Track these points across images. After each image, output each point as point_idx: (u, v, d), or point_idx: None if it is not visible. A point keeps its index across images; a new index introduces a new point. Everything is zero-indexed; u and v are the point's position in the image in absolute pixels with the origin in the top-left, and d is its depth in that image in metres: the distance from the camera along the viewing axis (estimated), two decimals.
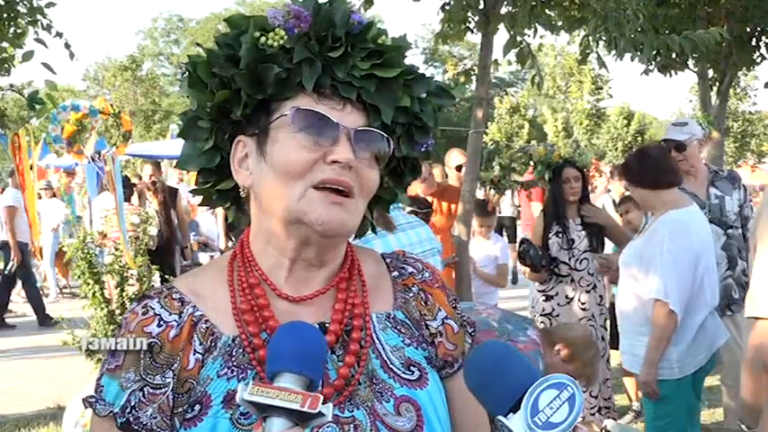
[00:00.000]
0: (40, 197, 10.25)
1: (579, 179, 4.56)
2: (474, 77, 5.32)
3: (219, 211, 8.53)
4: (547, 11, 4.96)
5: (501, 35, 6.05)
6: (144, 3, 75.99)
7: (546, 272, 4.51)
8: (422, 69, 1.07)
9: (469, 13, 5.06)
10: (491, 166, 5.31)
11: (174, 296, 1.03)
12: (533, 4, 4.72)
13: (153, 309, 1.02)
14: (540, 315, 4.58)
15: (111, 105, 6.39)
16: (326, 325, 1.04)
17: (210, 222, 10.77)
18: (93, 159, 6.19)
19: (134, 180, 8.85)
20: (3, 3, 5.03)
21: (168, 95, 40.70)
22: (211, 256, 9.38)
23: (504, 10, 4.80)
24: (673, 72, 9.26)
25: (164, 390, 0.97)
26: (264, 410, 0.82)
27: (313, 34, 1.00)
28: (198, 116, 1.04)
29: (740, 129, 31.12)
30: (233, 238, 9.41)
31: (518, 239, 7.03)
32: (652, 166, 3.28)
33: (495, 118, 34.06)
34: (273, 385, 0.83)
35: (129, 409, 0.96)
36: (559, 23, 5.21)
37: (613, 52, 4.93)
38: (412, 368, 1.06)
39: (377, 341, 1.06)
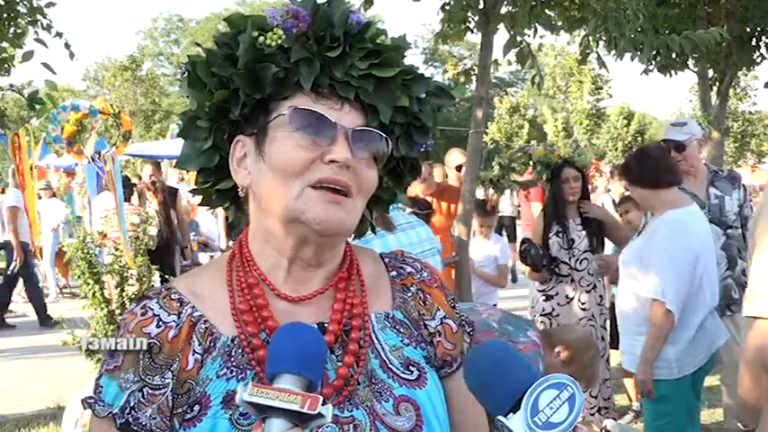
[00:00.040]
0: (39, 197, 10.26)
1: (579, 179, 4.57)
2: (474, 77, 5.32)
3: (220, 211, 8.47)
4: (547, 11, 4.96)
5: (501, 35, 6.05)
6: (144, 3, 76.15)
7: (546, 271, 4.52)
8: (422, 69, 1.07)
9: (469, 13, 5.06)
10: (491, 165, 5.31)
11: (172, 296, 1.03)
12: (533, 4, 4.72)
13: (152, 309, 1.01)
14: (540, 315, 4.58)
15: (111, 105, 6.37)
16: (325, 325, 1.04)
17: (210, 222, 10.77)
18: (93, 159, 6.17)
19: (134, 180, 8.84)
20: (3, 3, 5.03)
21: (168, 95, 40.70)
22: (211, 256, 9.37)
23: (504, 10, 4.80)
24: (673, 72, 9.27)
25: (163, 390, 0.97)
26: (264, 411, 0.82)
27: (311, 34, 1.00)
28: (197, 116, 1.04)
29: (740, 129, 31.13)
30: (234, 238, 9.38)
31: (518, 239, 7.03)
32: (652, 166, 3.29)
33: (495, 118, 34.05)
34: (273, 386, 0.83)
35: (128, 410, 0.96)
36: (559, 23, 5.21)
37: (613, 52, 4.93)
38: (411, 368, 1.06)
39: (376, 341, 1.06)
